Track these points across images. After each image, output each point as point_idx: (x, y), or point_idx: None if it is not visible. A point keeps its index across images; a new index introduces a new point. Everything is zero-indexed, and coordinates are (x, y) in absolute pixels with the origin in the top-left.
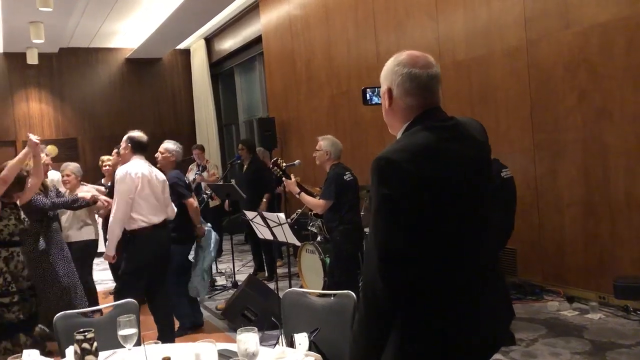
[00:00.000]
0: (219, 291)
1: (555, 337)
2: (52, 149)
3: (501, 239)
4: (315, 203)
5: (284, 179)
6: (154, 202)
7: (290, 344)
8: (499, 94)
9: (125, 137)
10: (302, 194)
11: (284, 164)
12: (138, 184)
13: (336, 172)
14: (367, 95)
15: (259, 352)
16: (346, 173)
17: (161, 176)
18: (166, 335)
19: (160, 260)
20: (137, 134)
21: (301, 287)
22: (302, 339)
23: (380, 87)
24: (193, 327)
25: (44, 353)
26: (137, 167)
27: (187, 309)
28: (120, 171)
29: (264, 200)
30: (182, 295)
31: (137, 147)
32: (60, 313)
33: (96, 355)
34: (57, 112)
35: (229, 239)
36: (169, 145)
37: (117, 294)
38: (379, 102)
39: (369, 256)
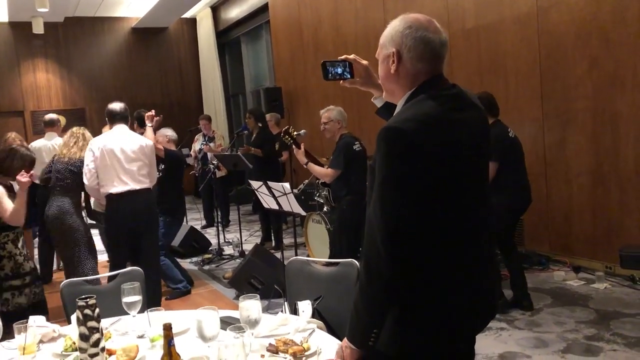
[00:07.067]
0: (226, 260)
1: (560, 306)
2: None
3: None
4: (323, 172)
5: (293, 147)
6: (115, 171)
7: (294, 311)
8: (509, 62)
9: None
10: (310, 164)
11: (295, 133)
12: (98, 155)
13: (346, 141)
14: (331, 70)
15: (261, 319)
16: (355, 143)
17: (133, 146)
18: (153, 303)
19: (132, 227)
20: (111, 105)
21: (308, 256)
22: (305, 306)
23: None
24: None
25: None
26: (100, 139)
27: (178, 274)
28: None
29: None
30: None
31: (110, 118)
32: (66, 280)
33: (98, 322)
34: (64, 82)
35: (236, 209)
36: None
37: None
38: (349, 76)
39: (370, 226)
